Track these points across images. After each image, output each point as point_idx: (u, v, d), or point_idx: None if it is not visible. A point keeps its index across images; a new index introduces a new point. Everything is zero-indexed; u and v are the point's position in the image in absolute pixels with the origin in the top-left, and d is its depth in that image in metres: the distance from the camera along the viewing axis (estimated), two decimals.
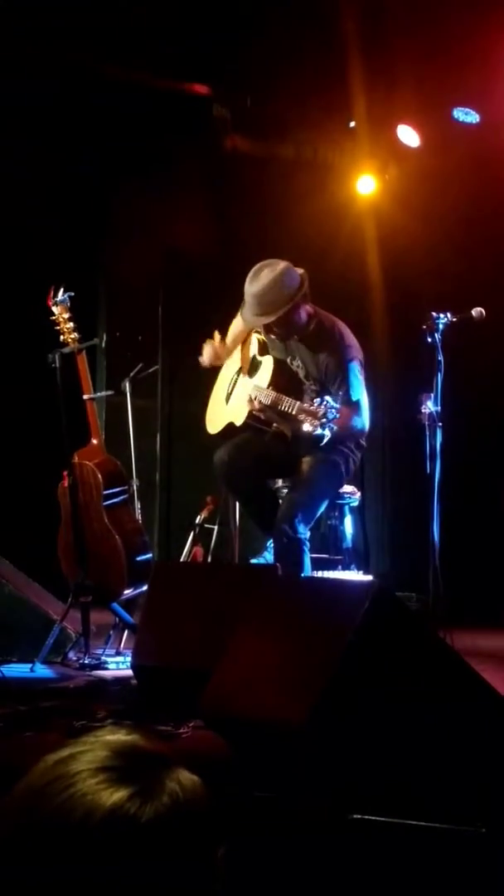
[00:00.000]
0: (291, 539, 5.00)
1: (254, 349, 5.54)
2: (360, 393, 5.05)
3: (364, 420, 5.09)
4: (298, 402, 4.88)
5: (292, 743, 2.77)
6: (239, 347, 5.63)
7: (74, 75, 6.76)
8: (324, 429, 4.59)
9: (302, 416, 4.68)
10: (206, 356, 5.66)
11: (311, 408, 4.65)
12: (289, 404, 4.93)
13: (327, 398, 4.64)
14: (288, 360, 5.33)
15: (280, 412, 5.05)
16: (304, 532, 5.05)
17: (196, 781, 1.03)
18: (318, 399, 4.69)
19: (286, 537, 5.02)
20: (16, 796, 1.01)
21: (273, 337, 5.30)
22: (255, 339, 5.57)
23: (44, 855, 0.96)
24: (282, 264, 5.08)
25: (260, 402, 5.16)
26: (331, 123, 7.37)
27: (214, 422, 5.60)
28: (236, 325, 5.60)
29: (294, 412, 4.82)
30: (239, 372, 5.58)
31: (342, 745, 2.78)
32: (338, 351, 5.12)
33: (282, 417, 5.12)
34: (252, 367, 5.51)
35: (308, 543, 5.08)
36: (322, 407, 4.59)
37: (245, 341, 5.61)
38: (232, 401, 5.53)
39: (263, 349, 5.49)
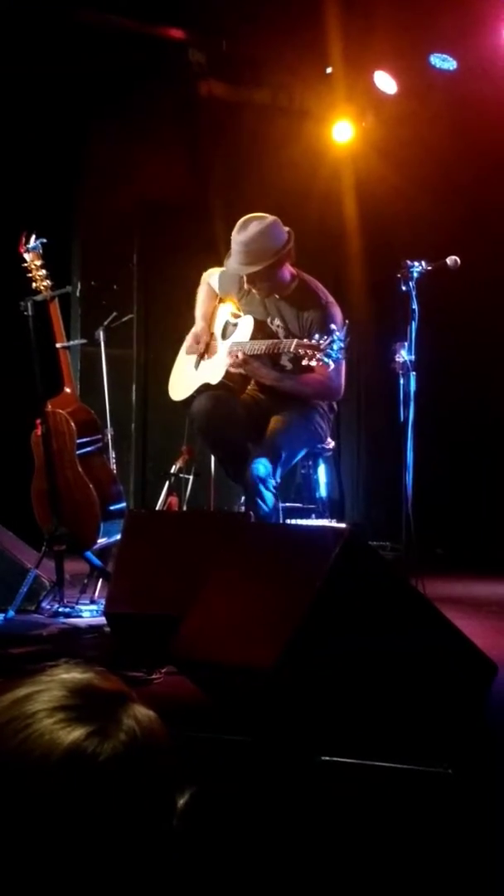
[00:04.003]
0: (255, 479, 5.02)
1: (226, 316, 5.53)
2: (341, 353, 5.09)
3: (341, 381, 5.19)
4: (296, 340, 4.95)
5: (260, 687, 2.80)
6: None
7: (46, 19, 6.64)
8: (328, 358, 4.74)
9: (301, 352, 4.82)
10: (191, 347, 5.62)
11: (311, 342, 4.80)
12: (286, 343, 5.02)
13: (336, 334, 4.80)
14: (267, 321, 5.32)
15: (275, 354, 5.12)
16: (267, 472, 5.05)
17: (152, 717, 1.03)
18: (318, 335, 4.84)
19: (253, 475, 5.04)
20: None
21: (254, 292, 5.30)
22: (223, 308, 5.57)
23: (1, 796, 0.96)
24: (270, 218, 5.16)
25: (245, 354, 5.16)
26: (307, 69, 7.30)
27: (179, 388, 5.59)
28: (202, 304, 5.61)
29: (292, 349, 4.92)
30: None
31: (311, 690, 2.81)
32: (322, 308, 5.19)
33: (272, 364, 5.18)
34: (225, 331, 5.51)
35: (273, 484, 5.08)
36: (323, 341, 4.76)
37: (213, 312, 5.61)
38: (204, 364, 5.51)
39: (236, 315, 5.51)
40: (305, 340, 4.88)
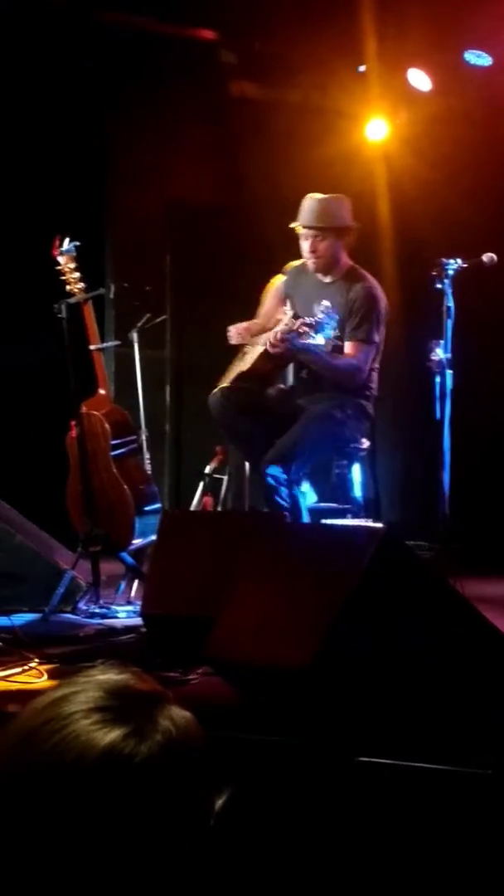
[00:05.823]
0: (270, 480, 5.04)
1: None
2: (377, 337, 5.29)
3: (366, 367, 5.31)
4: (302, 319, 5.14)
5: (296, 686, 2.78)
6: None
7: (77, 21, 6.66)
8: (317, 334, 4.97)
9: (303, 329, 5.01)
10: (235, 335, 5.65)
11: (310, 321, 5.03)
12: (292, 322, 5.17)
13: (330, 312, 5.06)
14: (314, 306, 5.34)
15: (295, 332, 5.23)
16: (280, 477, 5.06)
17: (189, 718, 1.03)
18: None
19: (267, 477, 5.06)
20: (9, 738, 1.01)
21: (307, 271, 5.41)
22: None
23: (38, 797, 0.96)
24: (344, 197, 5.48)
25: (279, 331, 5.21)
26: (340, 67, 7.26)
27: (224, 380, 5.63)
28: (265, 302, 5.68)
29: (296, 327, 5.05)
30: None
31: (347, 690, 2.79)
32: (366, 289, 5.37)
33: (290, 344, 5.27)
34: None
35: (286, 480, 5.09)
36: (317, 319, 5.00)
37: (273, 312, 5.65)
38: (247, 356, 5.55)
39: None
40: (307, 318, 5.03)
